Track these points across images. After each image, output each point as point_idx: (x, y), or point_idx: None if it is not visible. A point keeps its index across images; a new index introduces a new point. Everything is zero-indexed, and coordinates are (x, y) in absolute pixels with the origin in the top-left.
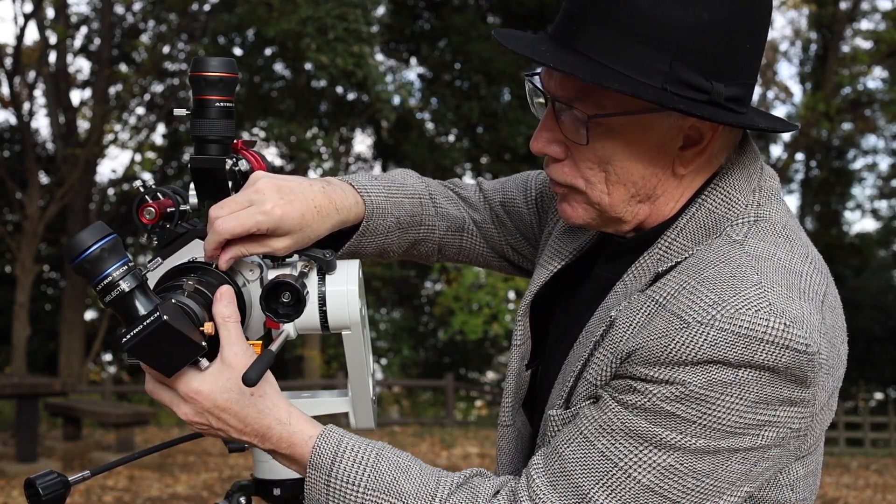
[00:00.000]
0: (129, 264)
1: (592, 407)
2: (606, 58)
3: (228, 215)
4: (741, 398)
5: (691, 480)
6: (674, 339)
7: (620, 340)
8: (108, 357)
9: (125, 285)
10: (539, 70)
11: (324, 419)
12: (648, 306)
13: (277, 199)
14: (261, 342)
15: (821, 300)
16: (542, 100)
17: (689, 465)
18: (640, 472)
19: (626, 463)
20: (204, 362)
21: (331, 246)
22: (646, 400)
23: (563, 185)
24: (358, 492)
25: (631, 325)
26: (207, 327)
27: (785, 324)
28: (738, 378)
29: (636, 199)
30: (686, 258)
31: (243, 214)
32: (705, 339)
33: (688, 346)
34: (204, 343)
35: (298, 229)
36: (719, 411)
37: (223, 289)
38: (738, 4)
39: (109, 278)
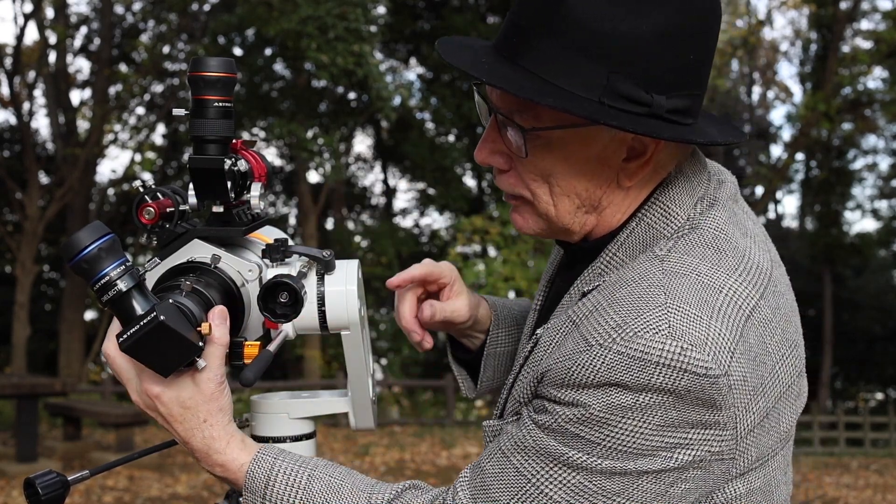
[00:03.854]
0: (127, 264)
1: (513, 424)
2: (545, 71)
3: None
4: (644, 421)
5: (602, 499)
6: (576, 362)
7: (540, 360)
8: None
9: (122, 285)
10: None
11: (324, 419)
12: (566, 325)
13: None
14: (259, 343)
15: (745, 315)
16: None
17: (599, 485)
18: (551, 490)
19: (538, 479)
20: (201, 362)
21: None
22: (553, 420)
23: (513, 196)
24: None
25: (550, 344)
26: (204, 327)
27: (682, 347)
28: (638, 402)
29: (582, 209)
30: (610, 275)
31: (436, 263)
32: (603, 363)
33: (587, 369)
34: (201, 343)
35: (467, 291)
36: (622, 434)
37: (217, 309)
38: (679, 16)
39: (107, 278)
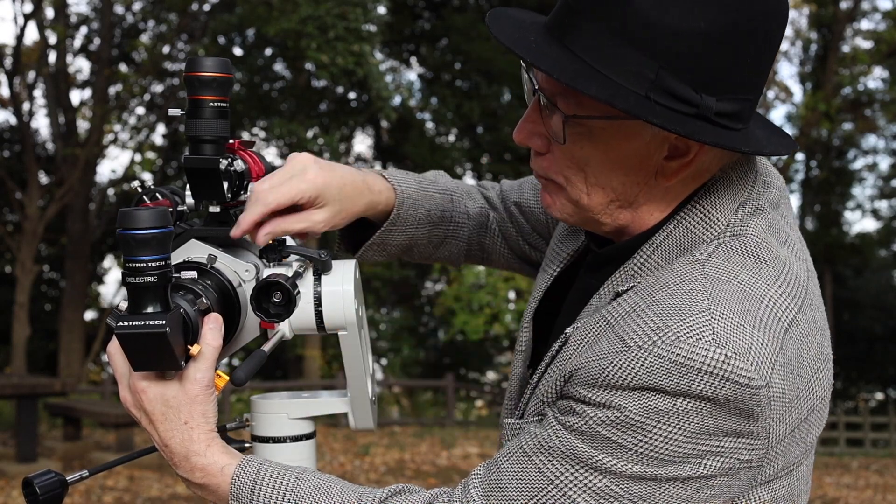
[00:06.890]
0: (167, 261)
1: (537, 424)
2: (593, 57)
3: (271, 188)
4: (679, 427)
5: (627, 503)
6: (612, 362)
7: (569, 359)
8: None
9: (152, 279)
10: None
11: (324, 419)
12: (599, 325)
13: (317, 169)
14: (228, 377)
15: (784, 328)
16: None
17: (625, 489)
18: (575, 493)
19: (561, 482)
20: (171, 375)
21: (358, 238)
22: (583, 422)
23: (544, 178)
24: None
25: (581, 343)
26: (194, 349)
27: (726, 355)
28: (676, 407)
29: (615, 203)
30: (646, 277)
31: (286, 185)
32: (642, 365)
33: (625, 371)
34: (183, 363)
35: (337, 200)
36: (656, 440)
37: (212, 315)
38: (740, 15)
39: (143, 264)
